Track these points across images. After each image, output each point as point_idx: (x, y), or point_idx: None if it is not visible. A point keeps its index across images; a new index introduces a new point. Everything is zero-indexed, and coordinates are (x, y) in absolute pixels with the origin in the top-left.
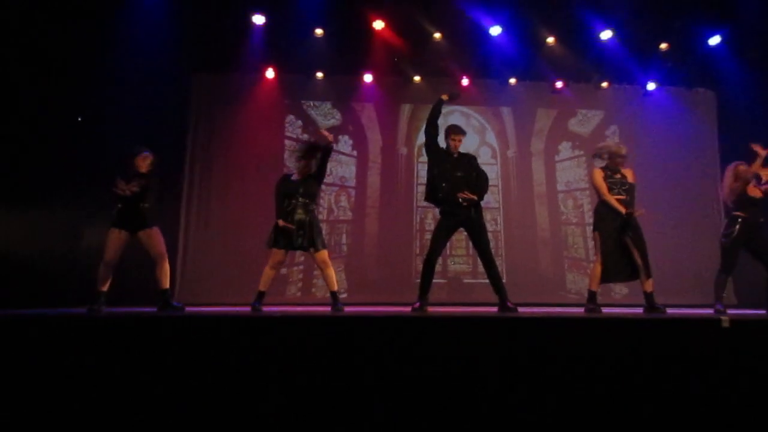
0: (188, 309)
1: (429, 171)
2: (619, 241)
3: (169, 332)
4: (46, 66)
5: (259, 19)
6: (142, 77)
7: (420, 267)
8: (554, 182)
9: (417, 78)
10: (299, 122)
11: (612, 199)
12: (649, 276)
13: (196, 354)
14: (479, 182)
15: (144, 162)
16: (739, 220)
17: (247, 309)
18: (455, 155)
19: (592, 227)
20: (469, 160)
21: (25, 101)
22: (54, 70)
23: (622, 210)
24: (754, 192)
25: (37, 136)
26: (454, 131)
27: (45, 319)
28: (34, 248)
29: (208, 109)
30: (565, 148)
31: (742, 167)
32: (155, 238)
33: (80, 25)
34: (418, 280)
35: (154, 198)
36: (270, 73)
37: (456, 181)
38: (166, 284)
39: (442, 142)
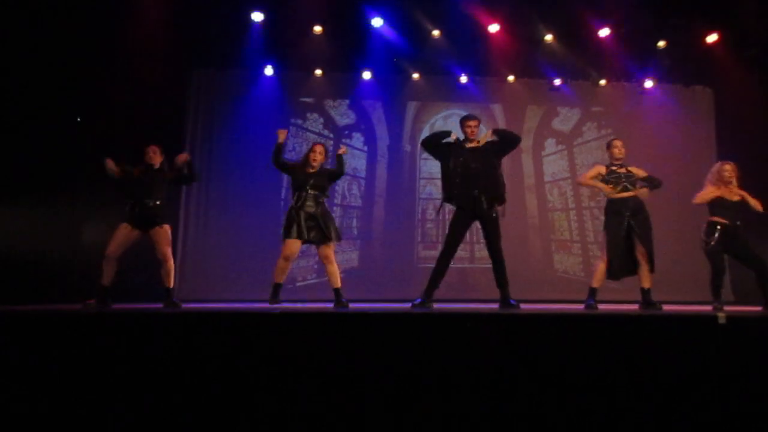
0: (188, 305)
1: (442, 168)
2: (625, 239)
3: (168, 329)
4: (45, 63)
5: (257, 16)
6: (140, 74)
7: (421, 253)
8: (542, 174)
9: (416, 75)
10: (298, 120)
11: (587, 182)
12: (651, 271)
13: (194, 351)
14: (497, 183)
15: (156, 156)
16: (718, 227)
17: (247, 305)
18: (471, 145)
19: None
20: (487, 151)
21: (25, 98)
22: (53, 67)
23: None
24: (731, 196)
25: (37, 133)
26: (467, 118)
27: (45, 315)
28: (35, 245)
29: (207, 106)
30: (550, 144)
31: (728, 167)
32: (164, 236)
33: (80, 23)
34: (420, 265)
35: (166, 194)
36: (269, 71)
37: (470, 174)
38: (170, 283)
39: (459, 134)
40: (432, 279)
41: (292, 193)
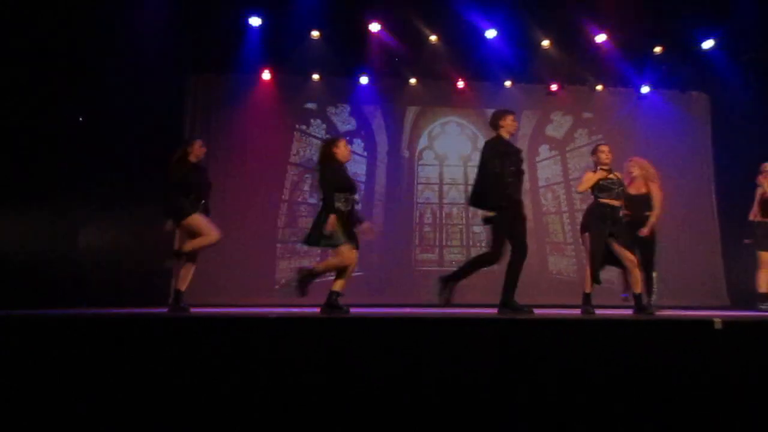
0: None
1: (492, 168)
2: (608, 243)
3: (170, 333)
4: (44, 66)
5: (255, 21)
6: (138, 78)
7: (419, 257)
8: (536, 179)
9: (413, 80)
10: (302, 125)
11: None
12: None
13: (193, 355)
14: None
15: (201, 151)
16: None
17: (245, 310)
18: (513, 146)
19: (580, 229)
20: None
21: (23, 101)
22: (52, 70)
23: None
24: (637, 189)
25: (35, 136)
26: (508, 113)
27: (44, 319)
28: (32, 248)
29: (204, 111)
30: (543, 150)
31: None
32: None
33: (78, 26)
34: (417, 269)
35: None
36: (266, 75)
37: (519, 177)
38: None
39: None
40: (513, 284)
41: (337, 195)
